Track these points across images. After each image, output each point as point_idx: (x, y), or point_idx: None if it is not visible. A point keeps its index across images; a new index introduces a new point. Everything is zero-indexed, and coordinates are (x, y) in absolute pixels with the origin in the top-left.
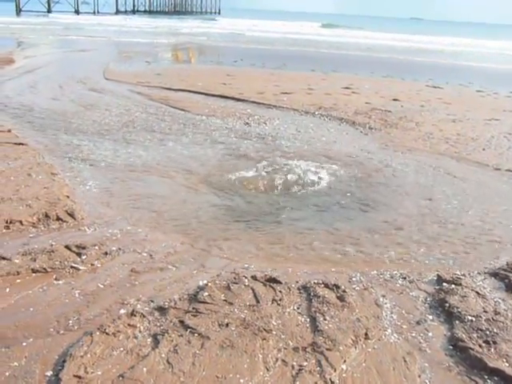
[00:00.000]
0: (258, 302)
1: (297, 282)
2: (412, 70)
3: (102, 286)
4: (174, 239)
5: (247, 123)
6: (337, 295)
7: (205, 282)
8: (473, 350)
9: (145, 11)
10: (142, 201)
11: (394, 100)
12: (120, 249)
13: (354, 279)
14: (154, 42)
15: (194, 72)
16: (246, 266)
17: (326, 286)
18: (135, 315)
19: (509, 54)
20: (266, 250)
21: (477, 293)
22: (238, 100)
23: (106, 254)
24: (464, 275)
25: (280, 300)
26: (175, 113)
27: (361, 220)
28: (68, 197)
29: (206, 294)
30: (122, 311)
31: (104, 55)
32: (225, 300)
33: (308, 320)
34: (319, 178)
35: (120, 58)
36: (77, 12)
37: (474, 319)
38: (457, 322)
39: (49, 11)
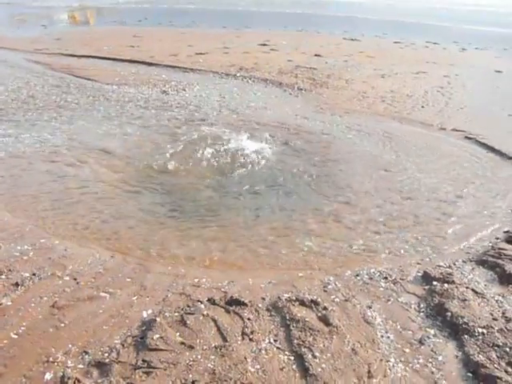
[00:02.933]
0: (225, 339)
1: (263, 299)
2: (323, 22)
3: (15, 337)
4: (102, 251)
5: (164, 91)
6: (318, 315)
7: (151, 313)
8: (501, 380)
9: None
10: (55, 200)
11: (317, 56)
12: (35, 274)
13: (329, 287)
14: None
15: (96, 34)
16: (196, 280)
17: (302, 303)
18: (66, 382)
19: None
20: (214, 253)
21: (474, 292)
22: (151, 64)
23: (17, 284)
24: (450, 267)
25: (252, 333)
26: (81, 83)
27: (314, 202)
28: None
29: (157, 335)
30: (48, 376)
31: None
32: (183, 343)
33: (293, 359)
34: (257, 154)
35: (12, 21)
36: None
37: (485, 331)
38: (466, 336)
39: None
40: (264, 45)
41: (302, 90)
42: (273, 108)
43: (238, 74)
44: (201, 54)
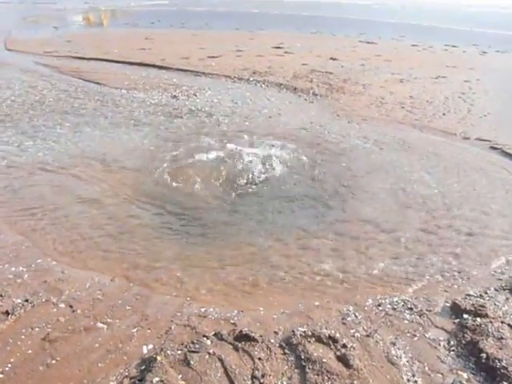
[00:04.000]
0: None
1: (276, 333)
2: (338, 25)
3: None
4: (101, 274)
5: (175, 96)
6: (337, 355)
7: (151, 349)
8: None
9: None
10: (55, 216)
11: (332, 59)
12: (27, 300)
13: (348, 319)
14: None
15: (108, 36)
16: (203, 310)
17: (319, 339)
18: None
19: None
20: (222, 278)
21: (510, 327)
22: (161, 68)
23: (8, 313)
24: (482, 296)
25: (263, 376)
26: (90, 87)
27: (332, 221)
28: None
29: (157, 379)
30: None
31: (5, 21)
32: None
33: None
34: (272, 167)
35: (24, 23)
36: None
37: None
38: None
39: None
40: (278, 47)
41: (317, 95)
42: (287, 115)
43: (251, 79)
44: (213, 57)
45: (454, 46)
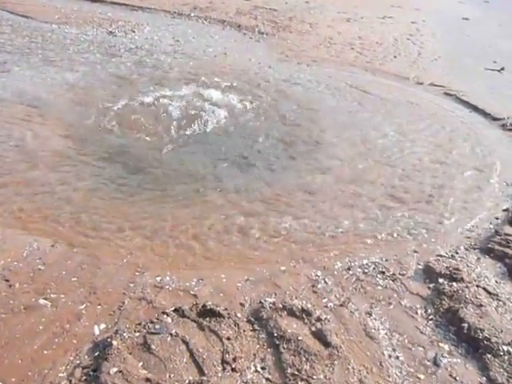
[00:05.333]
0: (201, 371)
1: (242, 305)
2: None
3: None
4: (41, 239)
5: (111, 32)
6: (312, 330)
7: (104, 329)
8: None
9: None
10: None
11: None
12: None
13: (319, 286)
14: None
15: None
16: (159, 279)
17: (291, 312)
18: None
19: None
20: (175, 240)
21: (487, 292)
22: (95, 1)
23: None
24: (453, 257)
25: (234, 360)
26: (16, 21)
27: (288, 173)
28: None
29: (115, 369)
30: None
31: None
32: (148, 380)
33: None
34: (219, 111)
35: None
36: None
37: (511, 350)
38: (489, 356)
39: None
40: None
41: (263, 33)
42: (233, 54)
43: (192, 14)
44: None
45: None
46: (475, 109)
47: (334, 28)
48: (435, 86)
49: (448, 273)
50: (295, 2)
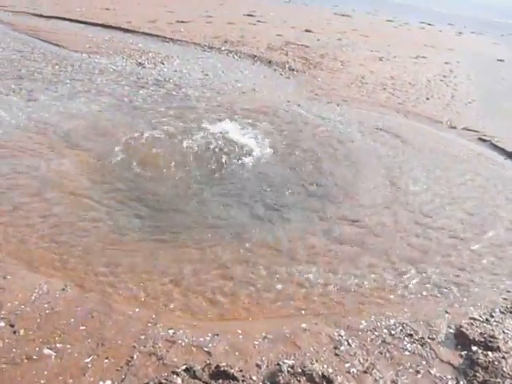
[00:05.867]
0: None
1: (258, 366)
2: None
3: None
4: (52, 281)
5: (140, 63)
6: None
7: None
8: None
9: None
10: (3, 205)
11: (307, 31)
12: None
13: (342, 348)
14: None
15: None
16: (171, 332)
17: (310, 378)
18: None
19: None
20: (192, 288)
21: None
22: (127, 31)
23: None
24: (488, 321)
25: None
26: (48, 49)
27: (313, 220)
28: None
29: None
30: None
31: None
32: None
33: None
34: (246, 150)
35: None
36: None
37: None
38: None
39: None
40: (250, 15)
41: (293, 70)
42: (262, 91)
43: (222, 48)
44: (182, 21)
45: (429, 24)
46: (510, 155)
47: (366, 67)
48: (469, 130)
49: (482, 340)
50: (327, 39)
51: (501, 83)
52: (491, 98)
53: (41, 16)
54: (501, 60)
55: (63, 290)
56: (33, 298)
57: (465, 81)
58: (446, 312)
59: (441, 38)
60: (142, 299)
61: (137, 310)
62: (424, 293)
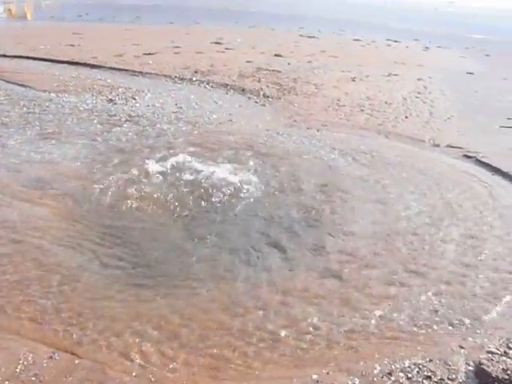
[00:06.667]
0: None
1: None
2: (275, 18)
3: None
4: (37, 347)
5: (111, 100)
6: None
7: None
8: None
9: None
10: None
11: (277, 56)
12: None
13: None
14: None
15: (33, 31)
16: None
17: None
18: None
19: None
20: (190, 345)
21: None
22: (93, 66)
23: None
24: (506, 354)
25: None
26: (14, 90)
27: (310, 261)
28: None
29: None
30: None
31: None
32: None
33: None
34: (228, 185)
35: None
36: None
37: None
38: None
39: None
40: (217, 43)
41: (268, 97)
42: (239, 121)
43: (193, 79)
44: (149, 53)
45: (395, 41)
46: (497, 171)
47: (340, 88)
48: (453, 147)
49: (506, 377)
50: (298, 62)
51: (474, 96)
52: (468, 113)
53: (4, 56)
54: (470, 73)
55: (51, 357)
56: (18, 370)
57: (440, 96)
58: (461, 347)
59: (409, 54)
60: (142, 361)
61: (134, 374)
62: (434, 326)
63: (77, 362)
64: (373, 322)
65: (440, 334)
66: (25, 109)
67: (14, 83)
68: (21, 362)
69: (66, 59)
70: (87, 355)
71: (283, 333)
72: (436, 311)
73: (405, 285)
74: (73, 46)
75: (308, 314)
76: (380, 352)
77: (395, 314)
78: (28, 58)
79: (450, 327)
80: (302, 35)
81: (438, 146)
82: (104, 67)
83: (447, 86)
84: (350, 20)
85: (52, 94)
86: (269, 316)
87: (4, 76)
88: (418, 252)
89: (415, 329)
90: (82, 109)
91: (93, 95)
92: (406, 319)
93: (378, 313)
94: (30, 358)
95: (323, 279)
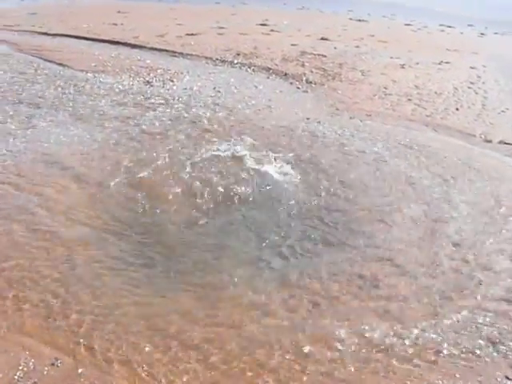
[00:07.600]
0: None
1: None
2: (325, 0)
3: None
4: (41, 351)
5: (148, 82)
6: None
7: None
8: None
9: None
10: None
11: (323, 39)
12: None
13: None
14: None
15: (78, 9)
16: None
17: None
18: None
19: None
20: (204, 356)
21: None
22: (134, 46)
23: None
24: None
25: None
26: (51, 69)
27: (340, 263)
28: None
29: None
30: None
31: None
32: None
33: None
34: (261, 177)
35: None
36: None
37: None
38: None
39: None
40: (263, 25)
41: (311, 83)
42: (278, 107)
43: (235, 61)
44: (192, 34)
45: (449, 27)
46: None
47: (387, 76)
48: (506, 143)
49: None
50: (345, 46)
51: None
52: None
53: (46, 34)
54: None
55: (53, 364)
56: (16, 377)
57: (494, 87)
58: (508, 378)
59: (463, 40)
60: (148, 371)
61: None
62: (477, 351)
63: (79, 370)
64: (407, 341)
65: (482, 359)
66: (60, 89)
67: (52, 62)
68: (21, 368)
69: (107, 38)
70: (90, 363)
71: (308, 348)
72: (478, 329)
73: (444, 298)
74: (115, 24)
75: (337, 327)
76: (416, 378)
77: (432, 330)
78: (70, 36)
79: (495, 353)
80: (351, 18)
81: (489, 141)
82: (145, 47)
83: (503, 76)
84: (402, 4)
85: (89, 74)
86: (295, 328)
87: (43, 54)
88: (460, 258)
89: (455, 352)
90: (117, 90)
91: (130, 76)
92: (445, 339)
93: (415, 331)
94: (30, 364)
95: (351, 286)
